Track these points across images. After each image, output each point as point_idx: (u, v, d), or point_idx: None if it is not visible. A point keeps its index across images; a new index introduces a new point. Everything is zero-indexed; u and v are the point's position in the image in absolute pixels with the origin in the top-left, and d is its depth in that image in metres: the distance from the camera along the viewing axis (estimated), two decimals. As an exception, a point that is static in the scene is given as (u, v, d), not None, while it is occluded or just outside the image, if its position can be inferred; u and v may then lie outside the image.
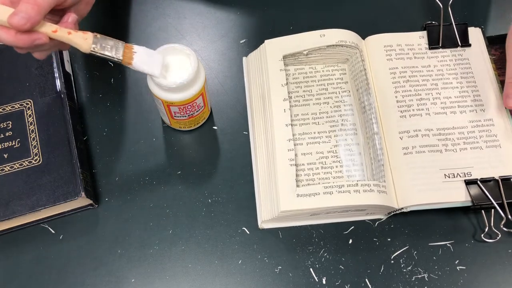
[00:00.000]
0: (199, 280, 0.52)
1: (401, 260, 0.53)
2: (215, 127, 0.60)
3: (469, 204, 0.52)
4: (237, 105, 0.61)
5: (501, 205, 0.52)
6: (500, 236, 0.53)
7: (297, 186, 0.51)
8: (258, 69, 0.59)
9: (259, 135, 0.57)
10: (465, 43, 0.62)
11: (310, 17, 0.66)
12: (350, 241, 0.54)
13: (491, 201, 0.52)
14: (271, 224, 0.54)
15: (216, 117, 0.60)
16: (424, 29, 0.63)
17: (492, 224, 0.54)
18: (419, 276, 0.52)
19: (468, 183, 0.53)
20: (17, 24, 0.41)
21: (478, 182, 0.53)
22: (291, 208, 0.50)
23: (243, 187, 0.56)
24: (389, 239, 0.54)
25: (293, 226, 0.54)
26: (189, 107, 0.54)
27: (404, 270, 0.52)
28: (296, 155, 0.55)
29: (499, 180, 0.53)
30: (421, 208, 0.52)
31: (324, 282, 0.52)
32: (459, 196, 0.53)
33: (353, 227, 0.54)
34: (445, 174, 0.54)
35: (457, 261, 0.53)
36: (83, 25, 0.50)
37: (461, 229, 0.54)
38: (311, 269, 0.52)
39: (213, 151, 0.58)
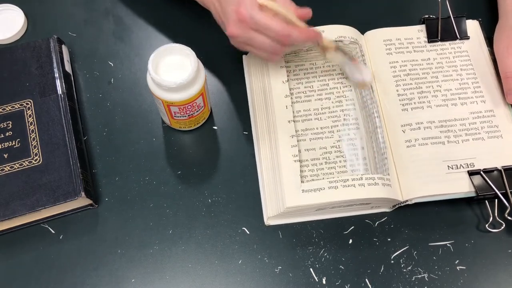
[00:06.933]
0: (199, 280, 0.52)
1: (401, 260, 0.53)
2: (215, 127, 0.60)
3: (473, 194, 0.53)
4: (237, 105, 0.61)
5: (505, 195, 0.52)
6: (504, 226, 0.53)
7: (302, 182, 0.51)
8: (258, 67, 0.59)
9: (262, 133, 0.57)
10: (464, 35, 0.62)
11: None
12: (350, 241, 0.54)
13: (494, 190, 0.52)
14: (277, 220, 0.54)
15: (216, 117, 0.60)
16: (423, 23, 0.63)
17: (496, 214, 0.54)
18: (419, 276, 0.52)
19: (471, 173, 0.53)
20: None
21: (481, 172, 0.53)
22: (297, 204, 0.50)
23: (243, 187, 0.56)
24: (389, 239, 0.54)
25: (293, 226, 0.54)
26: (189, 107, 0.54)
27: (404, 270, 0.52)
28: (299, 151, 0.55)
29: (502, 170, 0.53)
30: (425, 200, 0.53)
31: (324, 282, 0.52)
32: (462, 187, 0.53)
33: (353, 227, 0.54)
34: (448, 166, 0.54)
35: (457, 261, 0.53)
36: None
37: (461, 229, 0.54)
38: (311, 269, 0.52)
39: (213, 151, 0.58)
